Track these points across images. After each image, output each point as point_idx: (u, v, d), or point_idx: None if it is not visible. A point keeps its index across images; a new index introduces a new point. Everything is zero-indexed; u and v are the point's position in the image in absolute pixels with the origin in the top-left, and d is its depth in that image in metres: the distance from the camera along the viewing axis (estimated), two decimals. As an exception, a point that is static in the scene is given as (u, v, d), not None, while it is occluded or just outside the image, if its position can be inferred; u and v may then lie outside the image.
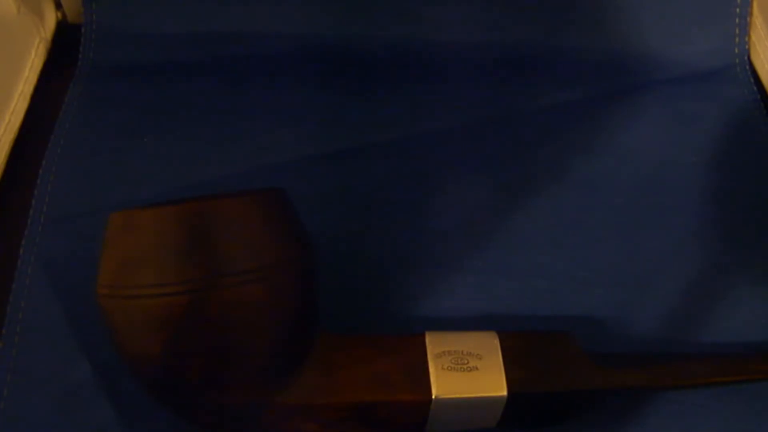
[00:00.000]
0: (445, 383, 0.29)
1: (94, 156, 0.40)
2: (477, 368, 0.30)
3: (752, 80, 0.44)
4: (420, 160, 0.41)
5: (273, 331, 0.28)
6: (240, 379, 0.28)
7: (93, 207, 0.37)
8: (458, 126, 0.42)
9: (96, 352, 0.33)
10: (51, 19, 0.46)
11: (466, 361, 0.30)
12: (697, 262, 0.37)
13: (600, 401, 0.32)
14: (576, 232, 0.38)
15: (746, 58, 0.45)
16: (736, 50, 0.45)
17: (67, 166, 0.39)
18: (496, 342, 0.31)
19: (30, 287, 0.35)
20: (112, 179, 0.39)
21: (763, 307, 0.36)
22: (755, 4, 0.44)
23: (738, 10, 0.44)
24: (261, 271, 0.27)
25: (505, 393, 0.29)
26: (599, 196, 0.39)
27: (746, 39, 0.44)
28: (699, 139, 0.42)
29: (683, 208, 0.39)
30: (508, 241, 0.38)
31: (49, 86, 0.43)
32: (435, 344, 0.30)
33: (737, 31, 0.44)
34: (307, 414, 0.30)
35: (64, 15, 0.46)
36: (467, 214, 0.39)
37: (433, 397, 0.29)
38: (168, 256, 0.26)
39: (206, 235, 0.27)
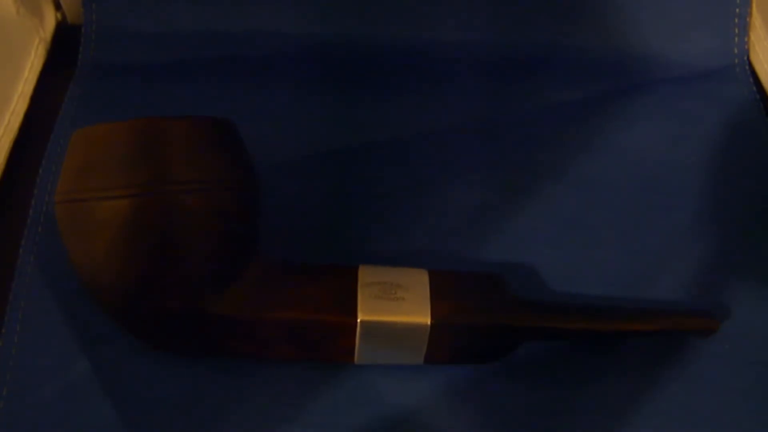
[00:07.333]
0: (371, 308, 0.31)
1: None
2: (404, 298, 0.31)
3: (751, 80, 0.44)
4: (420, 159, 0.41)
5: (207, 242, 0.30)
6: (175, 285, 0.30)
7: None
8: (458, 125, 0.42)
9: (95, 352, 0.33)
10: (50, 19, 0.46)
11: (393, 292, 0.31)
12: (697, 262, 0.37)
13: (521, 341, 0.33)
14: (575, 232, 0.38)
15: (745, 58, 0.45)
16: (736, 50, 0.45)
17: None
18: (426, 277, 0.32)
19: (30, 287, 0.35)
20: None
21: (763, 307, 0.36)
22: (754, 5, 0.44)
23: (737, 10, 0.44)
24: (200, 184, 0.29)
25: (428, 321, 0.31)
26: (599, 195, 0.39)
27: (745, 39, 0.45)
28: (698, 138, 0.42)
29: (683, 207, 0.39)
30: (507, 240, 0.38)
31: (49, 87, 0.43)
32: (366, 275, 0.32)
33: (737, 31, 0.44)
34: (240, 330, 0.31)
35: (63, 15, 0.46)
36: (467, 214, 0.39)
37: (359, 320, 0.31)
38: (116, 164, 0.29)
39: (153, 148, 0.29)
